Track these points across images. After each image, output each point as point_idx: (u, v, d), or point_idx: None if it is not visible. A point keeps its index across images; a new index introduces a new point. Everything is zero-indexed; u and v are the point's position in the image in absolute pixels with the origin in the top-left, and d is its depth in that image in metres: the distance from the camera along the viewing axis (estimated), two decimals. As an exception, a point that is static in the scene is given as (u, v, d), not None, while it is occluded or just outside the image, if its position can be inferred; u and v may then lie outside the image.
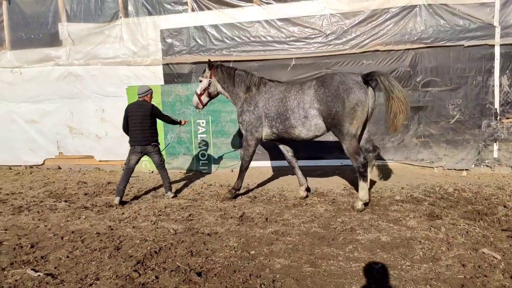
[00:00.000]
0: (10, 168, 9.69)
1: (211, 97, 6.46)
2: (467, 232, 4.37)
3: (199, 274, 3.60)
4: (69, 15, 8.96)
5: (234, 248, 4.22)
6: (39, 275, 3.68)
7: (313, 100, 5.35)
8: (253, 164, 8.43)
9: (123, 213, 5.70)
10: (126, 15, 8.71)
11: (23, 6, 9.19)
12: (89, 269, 3.80)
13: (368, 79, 5.15)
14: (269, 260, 3.86)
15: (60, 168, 9.49)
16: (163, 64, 8.71)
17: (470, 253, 3.82)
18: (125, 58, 8.82)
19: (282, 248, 4.14)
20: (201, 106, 6.47)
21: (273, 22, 8.11)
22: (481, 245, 3.98)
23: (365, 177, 5.25)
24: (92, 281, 3.53)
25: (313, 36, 7.99)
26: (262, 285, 3.35)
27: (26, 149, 9.57)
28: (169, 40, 8.62)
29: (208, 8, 8.37)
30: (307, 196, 6.19)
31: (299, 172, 6.24)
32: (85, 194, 7.04)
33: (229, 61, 8.40)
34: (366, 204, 5.42)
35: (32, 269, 3.81)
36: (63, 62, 9.07)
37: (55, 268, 3.87)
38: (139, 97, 6.42)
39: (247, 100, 6.01)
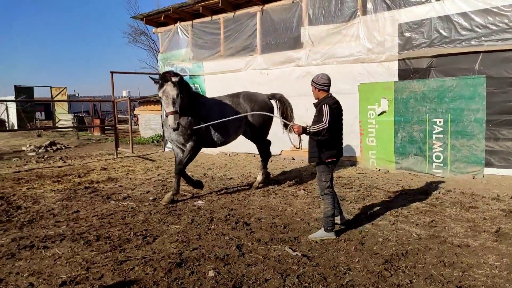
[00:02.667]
0: (254, 156, 11.33)
1: None
2: None
3: (458, 287, 3.29)
4: (311, 18, 9.70)
5: (496, 267, 3.68)
6: (296, 254, 4.12)
7: None
8: (503, 171, 7.24)
9: (359, 209, 5.81)
10: (364, 13, 8.80)
11: (273, 14, 10.50)
12: (339, 258, 4.02)
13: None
14: None
15: (294, 159, 10.49)
16: (399, 60, 8.41)
17: None
18: (359, 56, 8.95)
19: None
20: None
21: (544, 3, 6.66)
22: None
23: None
24: (345, 270, 3.71)
25: None
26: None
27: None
28: (407, 34, 8.24)
29: (457, -5, 7.56)
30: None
31: None
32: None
33: (478, 52, 7.41)
34: None
35: (289, 248, 4.31)
36: (302, 63, 9.93)
37: (308, 250, 4.26)
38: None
39: None
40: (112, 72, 12.60)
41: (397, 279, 3.49)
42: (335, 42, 9.31)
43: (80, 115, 31.31)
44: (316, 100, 4.70)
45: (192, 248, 4.35)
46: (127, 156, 12.45)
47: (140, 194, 7.12)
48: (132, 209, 6.09)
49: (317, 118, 4.48)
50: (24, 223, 5.46)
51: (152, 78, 6.37)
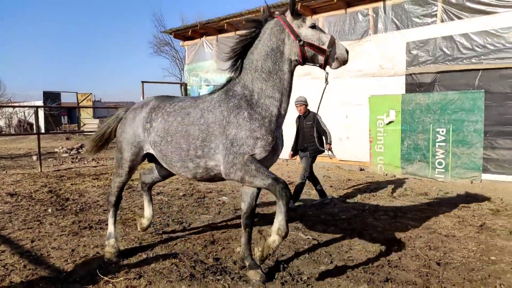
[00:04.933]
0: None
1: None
2: None
3: (438, 263, 4.12)
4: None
5: (473, 251, 4.49)
6: (308, 238, 5.00)
7: None
8: (498, 177, 7.96)
9: (363, 206, 6.64)
10: (375, 31, 9.67)
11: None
12: (343, 241, 4.88)
13: None
14: (511, 268, 3.98)
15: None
16: (406, 75, 9.23)
17: None
18: (370, 71, 9.81)
19: (528, 261, 4.14)
20: None
21: (537, 26, 7.42)
22: None
23: None
24: (347, 249, 4.58)
25: None
26: (502, 285, 3.59)
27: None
28: (414, 52, 9.07)
29: (459, 18, 8.38)
30: None
31: None
32: (330, 186, 8.37)
33: (477, 70, 8.18)
34: None
35: (302, 233, 5.19)
36: (317, 75, 10.81)
37: (317, 235, 5.13)
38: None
39: None
40: (143, 82, 13.75)
41: (388, 257, 4.34)
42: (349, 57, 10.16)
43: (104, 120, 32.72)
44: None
45: (221, 232, 5.28)
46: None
47: (171, 190, 8.10)
48: (166, 202, 7.06)
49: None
50: (77, 211, 6.47)
51: None
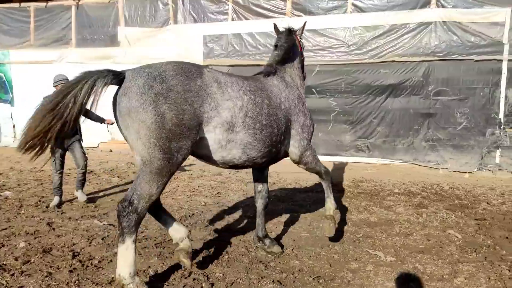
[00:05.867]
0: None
1: None
2: (443, 218, 5.26)
3: (221, 231, 4.76)
4: (127, 20, 10.41)
5: (250, 217, 5.35)
6: (103, 224, 4.97)
7: None
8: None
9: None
10: (176, 22, 10.04)
11: (89, 10, 10.75)
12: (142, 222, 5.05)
13: None
14: (276, 227, 4.96)
15: (111, 151, 11.00)
16: (204, 66, 9.96)
17: (438, 232, 4.74)
18: (171, 59, 10.14)
19: (287, 220, 5.23)
20: None
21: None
22: (450, 228, 4.88)
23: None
24: (143, 229, 4.78)
25: (336, 46, 8.96)
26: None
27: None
28: (210, 45, 9.86)
29: (246, 18, 9.53)
30: None
31: None
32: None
33: (261, 65, 9.51)
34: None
35: (98, 221, 5.12)
36: (119, 60, 10.54)
37: (114, 220, 5.15)
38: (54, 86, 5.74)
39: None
40: None
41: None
42: (150, 44, 10.28)
43: None
44: None
45: (1, 229, 4.70)
46: None
47: None
48: None
49: None
50: None
51: None
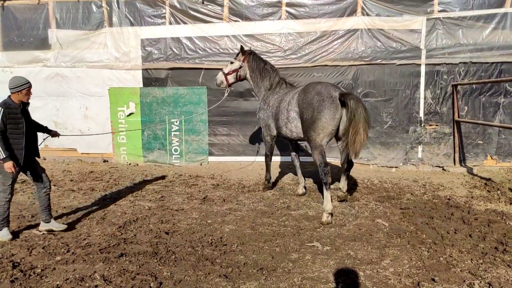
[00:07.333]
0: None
1: (238, 79, 6.91)
2: (372, 209, 5.79)
3: (167, 233, 4.85)
4: (58, 22, 9.98)
5: (196, 219, 5.49)
6: (43, 234, 4.84)
7: (296, 104, 5.72)
8: (220, 159, 9.73)
9: (105, 195, 6.85)
10: (111, 24, 9.82)
11: (16, 12, 10.15)
12: (82, 230, 4.98)
13: (342, 99, 5.18)
14: (221, 226, 5.15)
15: (45, 159, 10.46)
16: (142, 69, 9.86)
17: (368, 222, 5.23)
18: (108, 63, 9.92)
19: (231, 219, 5.44)
20: (224, 85, 6.98)
21: (239, 37, 9.42)
22: (378, 218, 5.39)
23: (327, 186, 5.31)
24: (85, 237, 4.72)
25: (273, 50, 9.35)
26: (212, 241, 4.62)
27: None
28: (148, 48, 9.78)
29: (184, 23, 9.59)
30: (304, 194, 6.71)
31: (299, 171, 6.84)
32: (71, 180, 8.12)
33: (201, 69, 9.66)
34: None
35: (36, 230, 4.96)
36: (51, 64, 10.08)
37: (57, 231, 5.02)
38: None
39: (265, 98, 6.54)
40: None
41: (126, 235, 4.77)
42: (84, 47, 9.94)
43: None
44: None
45: None
46: None
47: None
48: None
49: None
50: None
51: None
